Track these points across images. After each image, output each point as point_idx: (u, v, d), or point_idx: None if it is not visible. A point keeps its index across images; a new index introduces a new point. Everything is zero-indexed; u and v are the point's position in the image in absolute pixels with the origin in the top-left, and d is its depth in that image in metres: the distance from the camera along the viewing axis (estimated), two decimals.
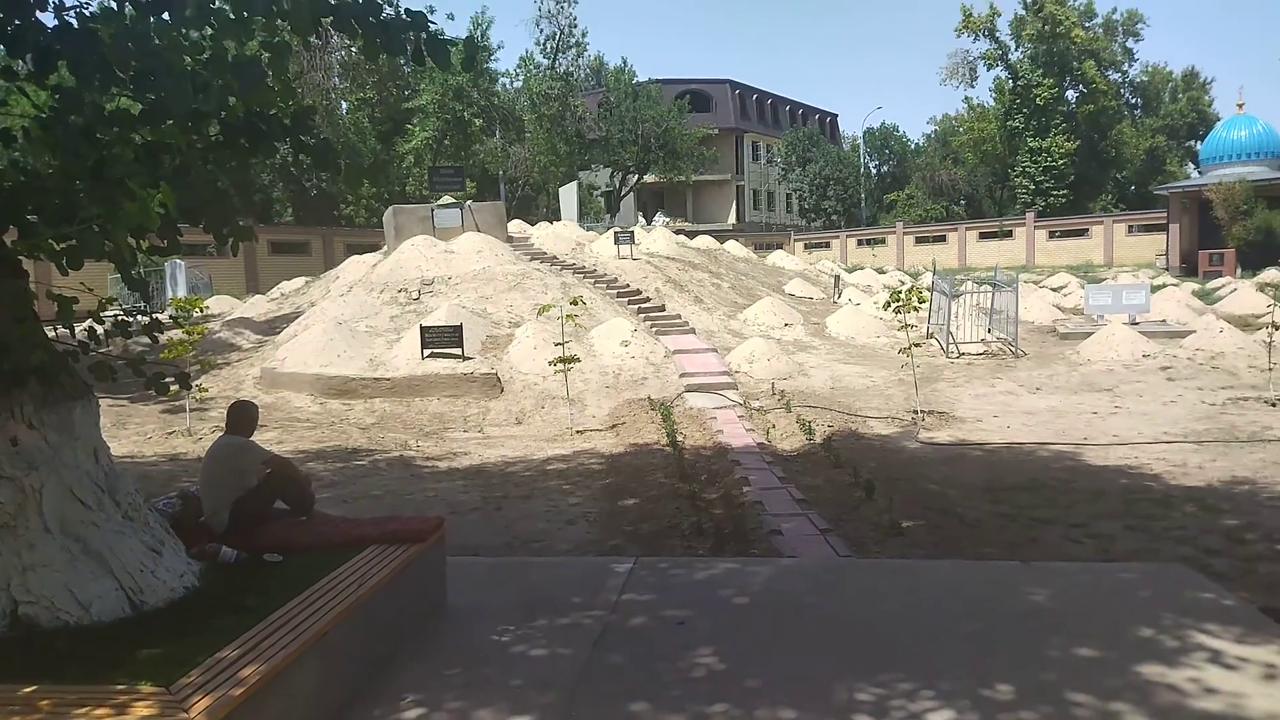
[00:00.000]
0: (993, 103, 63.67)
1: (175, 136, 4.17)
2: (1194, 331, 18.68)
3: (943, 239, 54.25)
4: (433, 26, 4.26)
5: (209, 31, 4.26)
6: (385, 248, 25.30)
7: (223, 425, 6.08)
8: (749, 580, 6.07)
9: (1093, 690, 4.29)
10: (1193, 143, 69.04)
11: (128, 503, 4.61)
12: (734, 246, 33.51)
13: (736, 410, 13.88)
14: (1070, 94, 59.04)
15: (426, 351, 16.02)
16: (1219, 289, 30.56)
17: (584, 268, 23.91)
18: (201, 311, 15.07)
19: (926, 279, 25.53)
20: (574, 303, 14.46)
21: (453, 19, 47.75)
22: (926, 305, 19.70)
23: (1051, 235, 50.86)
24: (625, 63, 62.53)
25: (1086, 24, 58.44)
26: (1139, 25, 63.64)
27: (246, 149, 4.56)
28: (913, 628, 5.19)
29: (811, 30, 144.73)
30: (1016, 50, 59.28)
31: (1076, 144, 57.12)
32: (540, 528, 8.08)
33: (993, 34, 59.55)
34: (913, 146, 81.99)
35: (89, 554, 4.28)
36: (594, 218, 51.84)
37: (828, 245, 57.74)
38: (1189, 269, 41.31)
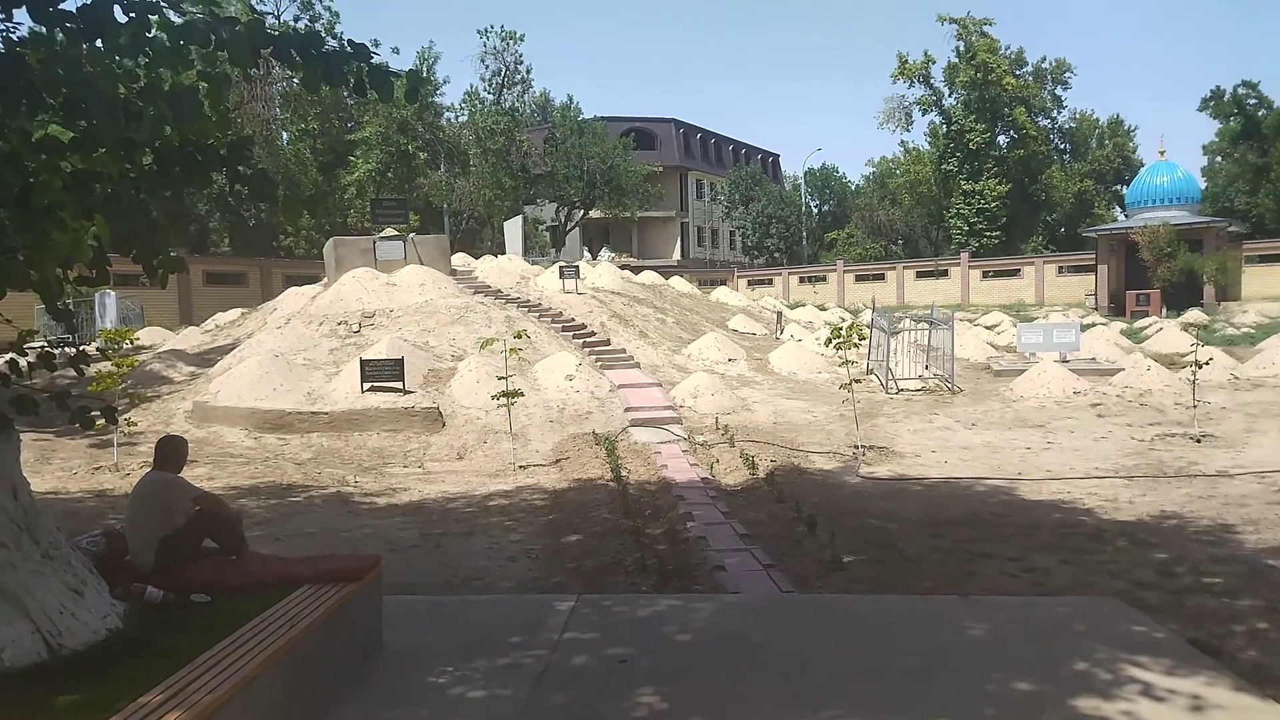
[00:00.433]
0: (928, 146, 65.52)
1: (107, 165, 4.07)
2: (1122, 369, 19.29)
3: (882, 277, 55.42)
4: (376, 59, 4.24)
5: (144, 60, 4.18)
6: (325, 280, 24.93)
7: (152, 461, 5.88)
8: (692, 617, 6.04)
9: None
10: (1119, 187, 71.78)
11: (48, 541, 4.42)
12: (679, 282, 33.78)
13: (681, 445, 13.89)
14: (1002, 139, 61.05)
15: (366, 385, 15.76)
16: (1146, 328, 31.66)
17: (528, 301, 23.85)
18: (132, 343, 14.65)
19: (866, 316, 26.04)
20: (518, 336, 14.40)
21: (398, 53, 47.66)
22: (867, 342, 20.06)
23: (985, 275, 52.28)
24: (571, 99, 63.03)
25: (1017, 72, 60.65)
26: (1067, 74, 66.27)
27: (181, 178, 4.47)
28: (855, 663, 5.20)
29: (754, 72, 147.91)
30: (950, 96, 61.22)
31: (1008, 187, 58.99)
32: (481, 565, 7.95)
33: (927, 80, 61.47)
34: (852, 187, 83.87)
35: (3, 596, 4.08)
36: (539, 252, 51.86)
37: (771, 282, 58.53)
38: (1117, 309, 42.75)
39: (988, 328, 33.27)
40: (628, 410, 15.98)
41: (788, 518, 9.11)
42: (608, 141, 53.78)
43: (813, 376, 20.54)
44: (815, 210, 78.26)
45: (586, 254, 52.34)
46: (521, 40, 51.07)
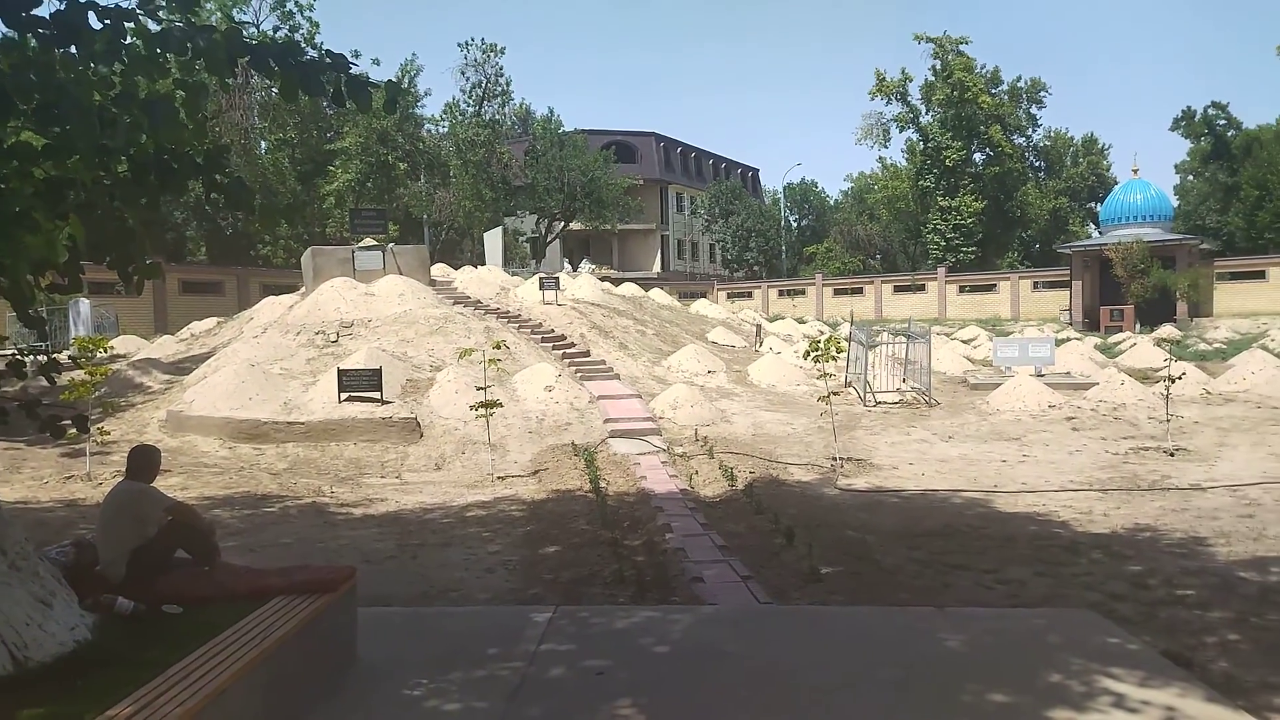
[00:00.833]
0: (905, 163, 66.11)
1: (80, 172, 4.03)
2: (1097, 384, 19.50)
3: (860, 291, 55.79)
4: (354, 69, 4.23)
5: (119, 67, 4.15)
6: (303, 289, 24.78)
7: (124, 470, 5.81)
8: (670, 629, 6.02)
9: None
10: (1093, 204, 72.70)
11: (15, 551, 4.34)
12: (659, 294, 33.86)
13: (660, 456, 13.89)
14: (978, 156, 61.72)
15: (344, 395, 15.65)
16: (1119, 343, 32.05)
17: (508, 312, 23.81)
18: (105, 352, 14.46)
19: (845, 330, 26.16)
20: (497, 347, 14.36)
21: (378, 64, 47.50)
22: (845, 355, 20.17)
23: (962, 290, 52.75)
24: (552, 112, 63.06)
25: (993, 90, 61.38)
26: (1042, 93, 67.16)
27: (157, 186, 4.43)
28: (832, 675, 5.20)
29: (735, 88, 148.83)
30: (927, 114, 61.85)
31: (984, 203, 59.61)
32: (458, 576, 7.89)
33: (905, 98, 62.07)
34: (831, 202, 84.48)
35: None
36: (519, 263, 51.80)
37: (750, 295, 58.77)
38: (1091, 324, 43.25)
39: (964, 342, 33.57)
40: (607, 421, 15.97)
41: (766, 529, 9.13)
42: (588, 154, 53.88)
43: (791, 389, 20.61)
44: (794, 224, 78.78)
45: (567, 266, 52.36)
46: (502, 53, 51.17)
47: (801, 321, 41.07)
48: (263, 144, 47.31)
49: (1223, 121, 70.40)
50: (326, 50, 4.29)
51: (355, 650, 5.45)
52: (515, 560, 8.42)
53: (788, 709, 4.71)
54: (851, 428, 16.28)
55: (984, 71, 60.89)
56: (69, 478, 12.39)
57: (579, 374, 19.44)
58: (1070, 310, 46.54)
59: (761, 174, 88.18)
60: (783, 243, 68.92)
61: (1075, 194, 76.13)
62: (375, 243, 25.03)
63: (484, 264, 34.07)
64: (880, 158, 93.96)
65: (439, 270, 28.71)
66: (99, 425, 14.27)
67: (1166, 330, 37.01)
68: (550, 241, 57.37)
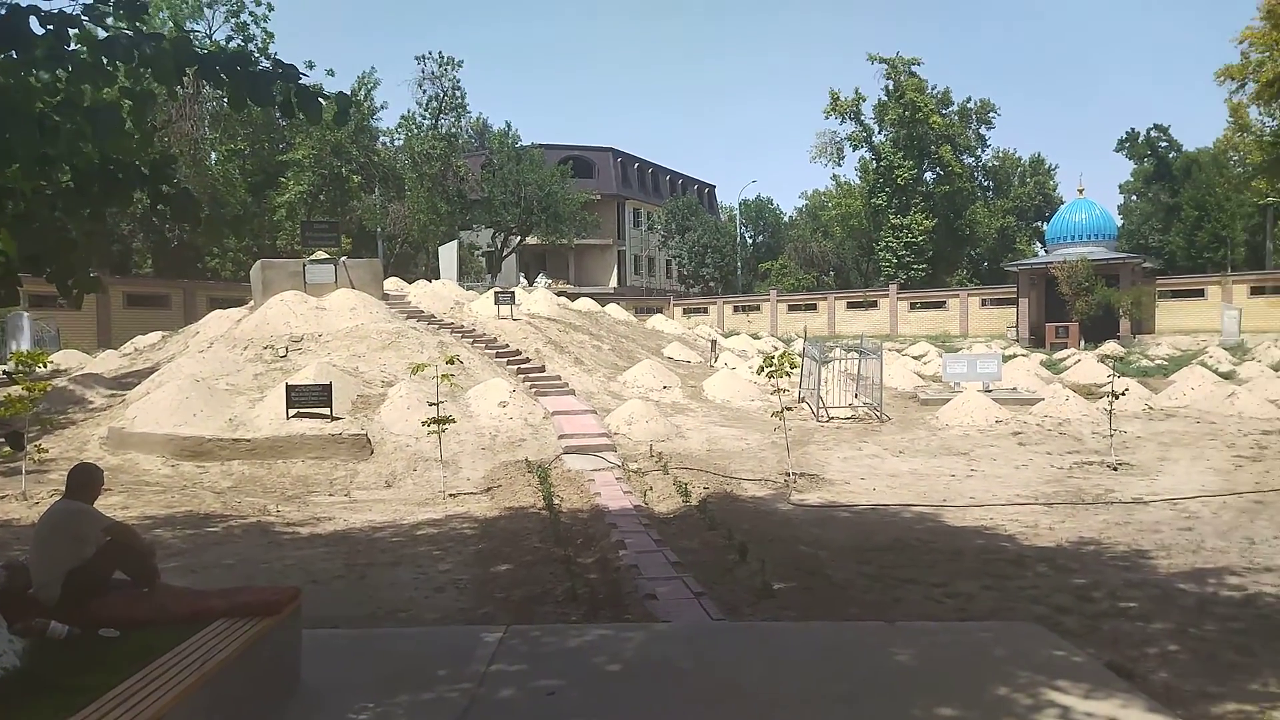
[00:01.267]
0: (858, 181, 67.24)
1: (20, 181, 3.92)
2: (1042, 399, 19.90)
3: (814, 307, 56.41)
4: (305, 80, 4.18)
5: (63, 74, 4.05)
6: (252, 303, 24.36)
7: (63, 489, 5.63)
8: (622, 647, 5.99)
9: None
10: (1039, 223, 74.52)
11: None
12: (615, 309, 33.88)
13: (615, 472, 13.85)
14: (929, 175, 62.95)
15: (292, 411, 15.37)
16: (1064, 360, 32.74)
17: (463, 327, 23.63)
18: (45, 367, 14.04)
19: (798, 345, 26.41)
20: (450, 362, 14.21)
21: (333, 75, 47.09)
22: (798, 371, 20.35)
23: (913, 306, 53.61)
24: (509, 126, 63.24)
25: (943, 111, 62.72)
26: (991, 114, 68.76)
27: (100, 197, 4.33)
28: (784, 691, 5.21)
29: (692, 105, 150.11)
30: (880, 133, 62.99)
31: (935, 222, 60.76)
32: (407, 596, 7.77)
33: (858, 117, 63.14)
34: (785, 219, 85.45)
35: None
36: (474, 277, 51.55)
37: (706, 311, 59.10)
38: (1037, 340, 44.17)
39: (915, 358, 34.05)
40: (562, 437, 15.90)
41: (719, 545, 9.13)
42: (545, 169, 53.93)
43: (746, 404, 20.72)
44: (749, 241, 79.50)
45: (523, 280, 52.23)
46: (460, 66, 51.09)
47: (757, 337, 41.34)
48: (213, 155, 46.52)
49: (1164, 144, 72.67)
50: (276, 60, 4.24)
51: (299, 673, 5.33)
52: (466, 579, 8.32)
53: None
54: (805, 443, 16.40)
55: (935, 92, 62.24)
56: (3, 497, 11.98)
57: (534, 389, 19.35)
58: (1017, 327, 47.50)
59: (718, 190, 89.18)
60: (738, 259, 69.49)
61: (1022, 213, 78.01)
62: (327, 256, 24.71)
63: (439, 278, 33.82)
64: (834, 176, 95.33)
65: (392, 284, 28.44)
66: (36, 443, 13.84)
67: (1110, 347, 37.92)
68: (506, 256, 57.20)
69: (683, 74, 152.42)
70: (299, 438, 14.82)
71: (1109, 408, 14.84)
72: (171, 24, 40.40)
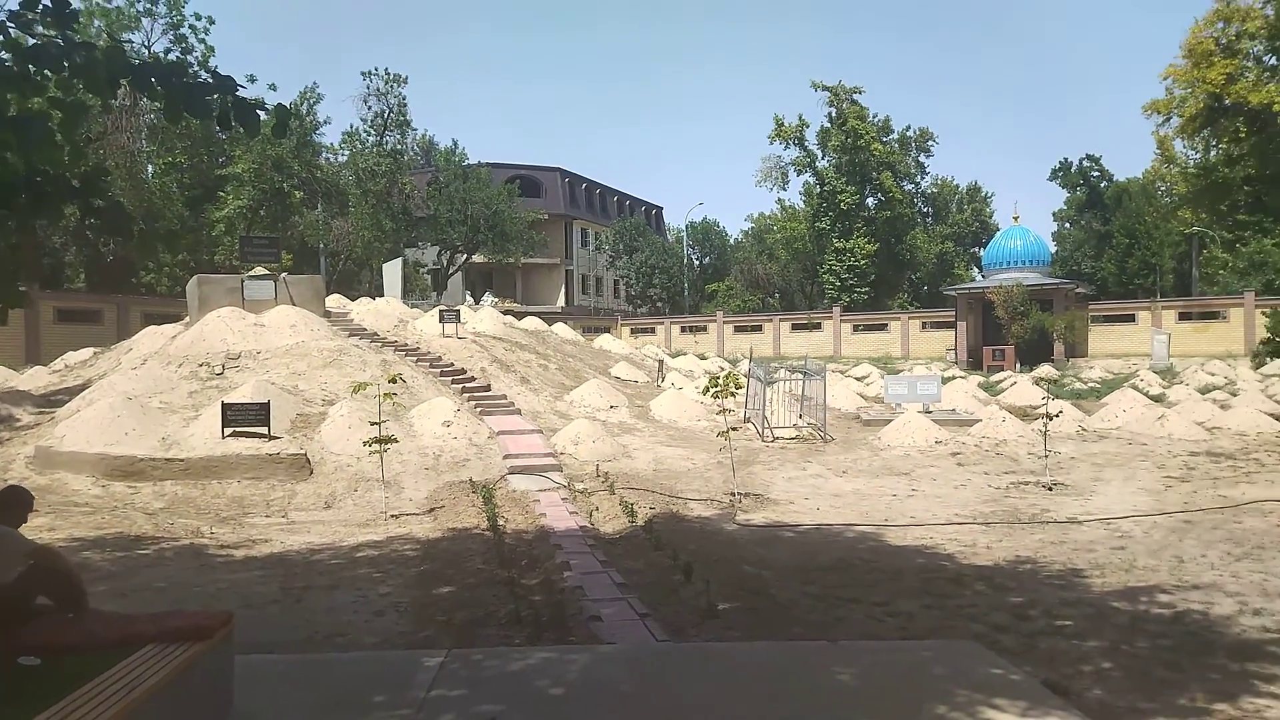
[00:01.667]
0: (803, 205, 68.28)
1: None
2: (980, 420, 20.32)
3: (759, 329, 56.98)
4: (243, 91, 4.11)
5: None
6: (187, 319, 23.77)
7: None
8: (566, 669, 5.92)
9: None
10: (977, 249, 76.54)
11: None
12: (562, 329, 33.79)
13: (560, 492, 13.75)
14: (871, 201, 64.18)
15: (228, 430, 15.00)
16: (1001, 382, 33.50)
17: (407, 345, 23.33)
18: None
19: (744, 366, 26.61)
20: (393, 380, 14.00)
21: (275, 89, 46.39)
22: (744, 391, 20.49)
23: (856, 329, 54.46)
24: (456, 144, 62.87)
25: (884, 139, 64.08)
26: (930, 142, 70.51)
27: (28, 209, 4.20)
28: (728, 712, 5.20)
29: (640, 127, 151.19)
30: (823, 159, 64.08)
31: (876, 246, 61.92)
32: (346, 620, 7.60)
33: (802, 143, 64.21)
34: (732, 241, 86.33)
35: None
36: (420, 295, 51.05)
37: (653, 331, 59.29)
38: (975, 363, 45.15)
39: (858, 379, 34.52)
40: (507, 457, 15.75)
41: (665, 566, 9.12)
42: (492, 187, 53.76)
43: (692, 424, 20.78)
44: (697, 262, 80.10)
45: (469, 298, 51.86)
46: (405, 83, 50.77)
47: (703, 357, 41.57)
48: (150, 168, 45.47)
49: (1096, 173, 75.29)
50: (213, 71, 4.17)
51: (232, 700, 5.16)
52: (407, 602, 8.17)
53: None
54: (750, 463, 16.49)
55: (876, 120, 63.57)
56: None
57: (479, 409, 19.16)
58: (956, 350, 48.53)
59: (665, 212, 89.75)
60: (685, 280, 69.94)
61: (960, 239, 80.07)
62: (267, 272, 24.25)
63: (383, 296, 33.39)
64: (779, 200, 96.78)
65: (334, 301, 28.00)
66: None
67: (1045, 370, 38.89)
68: (453, 274, 56.78)
69: (632, 97, 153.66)
70: (235, 457, 14.45)
71: (1044, 429, 15.20)
72: (106, 34, 39.47)
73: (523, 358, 24.81)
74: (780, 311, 62.89)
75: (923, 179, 73.91)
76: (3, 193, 4.08)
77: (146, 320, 33.44)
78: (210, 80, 4.10)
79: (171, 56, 39.92)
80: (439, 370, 21.58)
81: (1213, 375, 33.10)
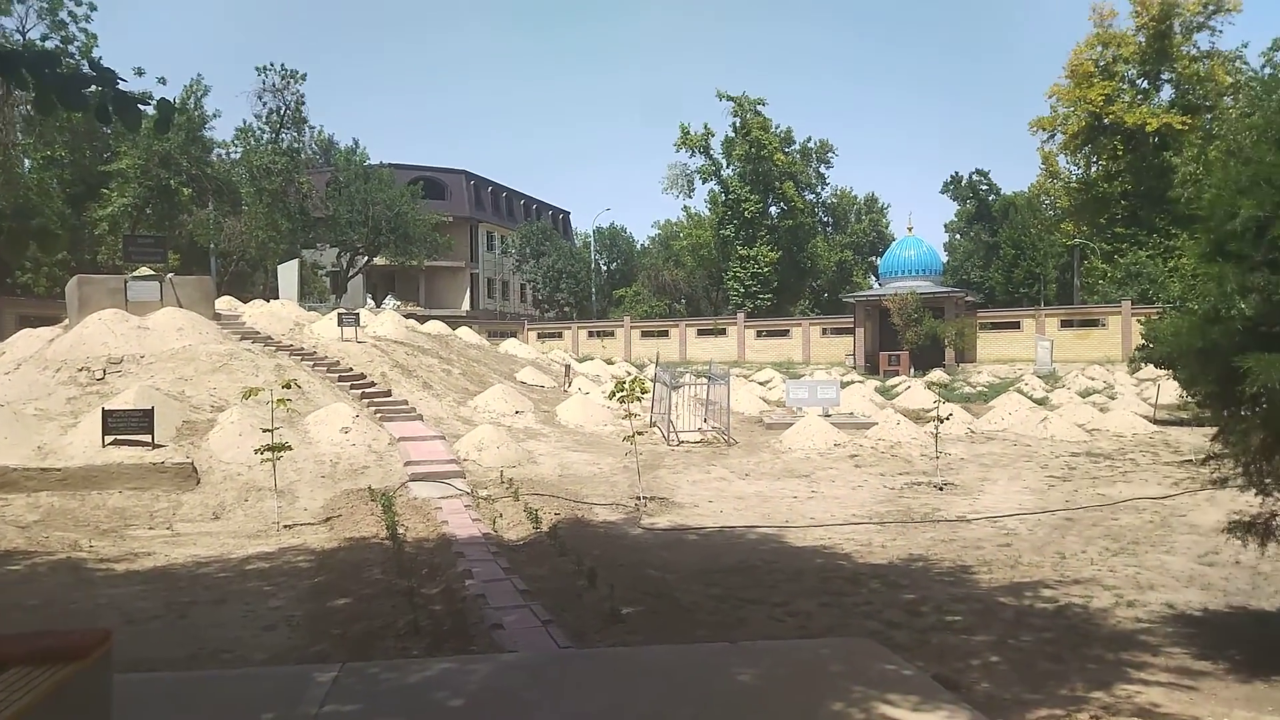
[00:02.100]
0: (708, 212, 69.14)
1: None
2: (876, 423, 20.94)
3: (666, 334, 57.38)
4: (124, 84, 3.91)
5: None
6: (66, 321, 22.51)
7: None
8: (466, 680, 5.81)
9: None
10: (874, 258, 78.90)
11: None
12: (467, 333, 33.31)
13: (463, 499, 13.54)
14: (773, 209, 65.49)
15: (109, 438, 14.24)
16: (896, 386, 34.60)
17: (303, 349, 22.61)
18: None
19: (651, 371, 26.75)
20: (287, 386, 13.56)
21: (164, 83, 44.23)
22: (650, 396, 20.60)
23: (759, 334, 55.40)
24: (357, 144, 61.10)
25: (786, 149, 65.48)
26: (829, 154, 72.47)
27: None
28: (630, 716, 5.19)
29: (548, 131, 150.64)
30: (728, 168, 65.07)
31: (779, 254, 63.19)
32: (233, 635, 7.29)
33: (707, 151, 65.07)
34: (639, 247, 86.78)
35: None
36: (318, 298, 49.56)
37: (560, 335, 59.03)
38: (872, 368, 46.50)
39: (761, 383, 35.14)
40: (408, 464, 15.42)
41: (569, 571, 9.06)
42: (395, 188, 52.65)
43: (599, 429, 20.77)
44: (604, 267, 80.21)
45: (370, 302, 50.61)
46: (303, 80, 49.29)
47: (610, 362, 41.62)
48: (26, 162, 42.86)
49: (985, 187, 78.65)
50: (90, 61, 3.95)
51: None
52: (300, 615, 7.89)
53: None
54: (656, 467, 16.58)
55: (779, 131, 64.90)
56: None
57: (379, 415, 18.71)
58: (854, 355, 49.86)
59: (572, 217, 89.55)
60: (593, 285, 69.92)
61: (859, 248, 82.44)
62: (152, 272, 23.18)
63: (278, 298, 32.29)
64: (685, 207, 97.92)
65: (225, 303, 26.96)
66: None
67: (937, 374, 40.35)
68: (353, 276, 55.38)
69: (540, 101, 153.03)
70: (117, 467, 13.73)
71: (935, 432, 15.76)
72: None
73: (425, 362, 24.36)
74: (686, 317, 63.47)
75: (823, 189, 75.92)
76: None
77: (22, 323, 31.46)
78: (90, 71, 3.89)
79: (50, 44, 37.75)
80: (337, 375, 20.99)
81: (1092, 380, 34.92)
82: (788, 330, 55.25)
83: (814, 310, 66.86)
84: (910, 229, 55.32)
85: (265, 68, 48.04)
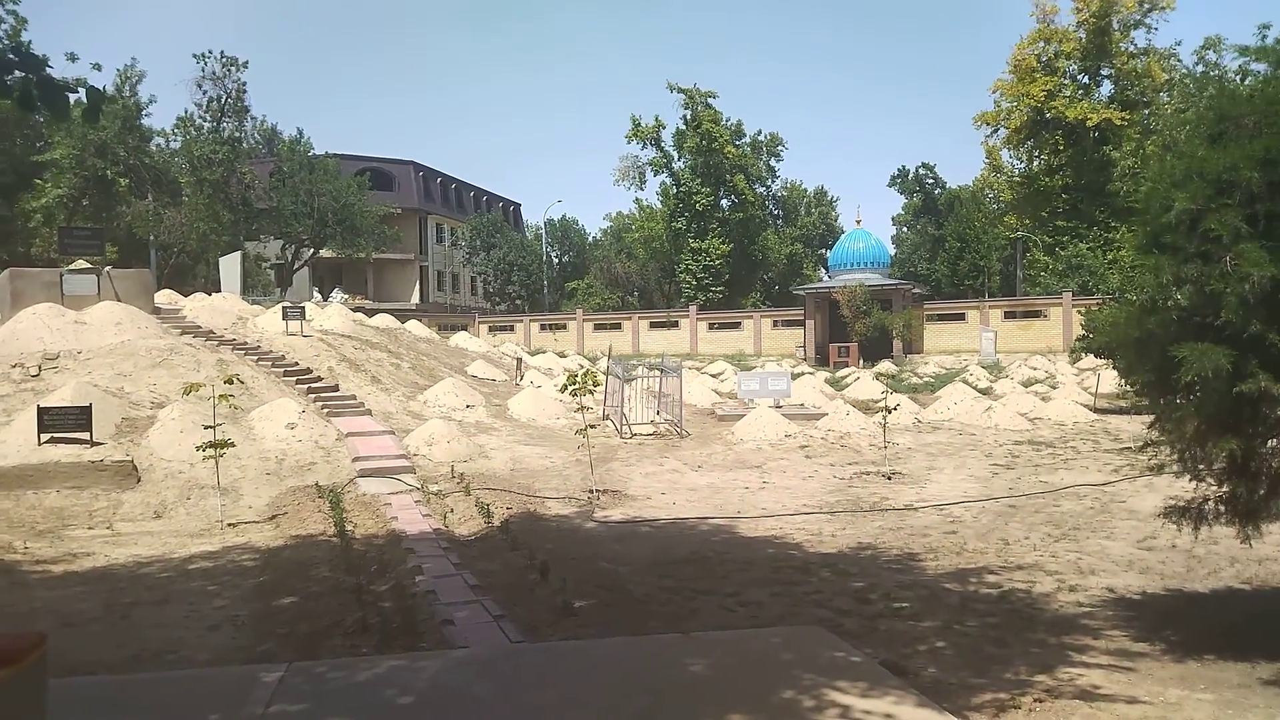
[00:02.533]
0: (660, 205, 69.19)
1: None
2: (826, 414, 21.17)
3: (618, 327, 57.36)
4: (51, 70, 3.77)
5: None
6: None
7: None
8: (416, 677, 5.75)
9: None
10: (824, 250, 79.64)
11: None
12: (416, 326, 32.92)
13: (413, 495, 13.39)
14: (725, 202, 65.74)
15: (45, 436, 13.82)
16: (846, 377, 35.00)
17: (246, 344, 22.16)
18: None
19: (603, 364, 26.71)
20: (230, 381, 13.24)
21: (99, 69, 42.98)
22: (603, 388, 20.57)
23: (711, 327, 55.68)
24: (301, 134, 60.02)
25: (737, 142, 65.73)
26: (780, 148, 72.89)
27: None
28: (581, 710, 5.18)
29: (498, 122, 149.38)
30: (679, 160, 65.15)
31: (731, 246, 63.50)
32: (176, 636, 7.12)
33: (659, 144, 65.08)
34: (591, 239, 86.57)
35: None
36: (262, 291, 48.61)
37: (512, 328, 58.67)
38: (822, 359, 47.01)
39: (713, 375, 35.28)
40: (356, 460, 15.21)
41: (521, 566, 9.02)
42: (341, 179, 51.72)
43: (551, 422, 20.69)
44: (556, 260, 79.86)
45: (317, 295, 49.80)
46: (245, 68, 48.14)
47: (563, 355, 41.48)
48: None
49: (931, 180, 79.91)
50: (14, 45, 3.80)
51: None
52: (245, 615, 7.74)
53: None
54: (608, 460, 16.56)
55: (729, 124, 65.13)
56: None
57: (326, 410, 18.41)
58: (805, 347, 50.36)
59: (524, 209, 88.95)
60: (544, 277, 69.53)
61: (809, 240, 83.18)
62: (89, 265, 22.51)
63: (220, 291, 31.59)
64: (637, 199, 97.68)
65: (165, 297, 26.32)
66: None
67: (885, 365, 40.89)
68: (298, 269, 54.36)
69: (488, 92, 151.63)
70: (53, 465, 13.33)
71: (883, 422, 15.99)
72: None
73: (374, 356, 24.03)
74: (639, 310, 63.49)
75: (773, 182, 76.32)
76: None
77: None
78: (12, 56, 3.74)
79: None
80: (282, 370, 20.61)
81: (1035, 370, 35.71)
82: (739, 323, 55.60)
83: (765, 302, 67.35)
84: (859, 221, 56.23)
85: (205, 55, 46.83)
